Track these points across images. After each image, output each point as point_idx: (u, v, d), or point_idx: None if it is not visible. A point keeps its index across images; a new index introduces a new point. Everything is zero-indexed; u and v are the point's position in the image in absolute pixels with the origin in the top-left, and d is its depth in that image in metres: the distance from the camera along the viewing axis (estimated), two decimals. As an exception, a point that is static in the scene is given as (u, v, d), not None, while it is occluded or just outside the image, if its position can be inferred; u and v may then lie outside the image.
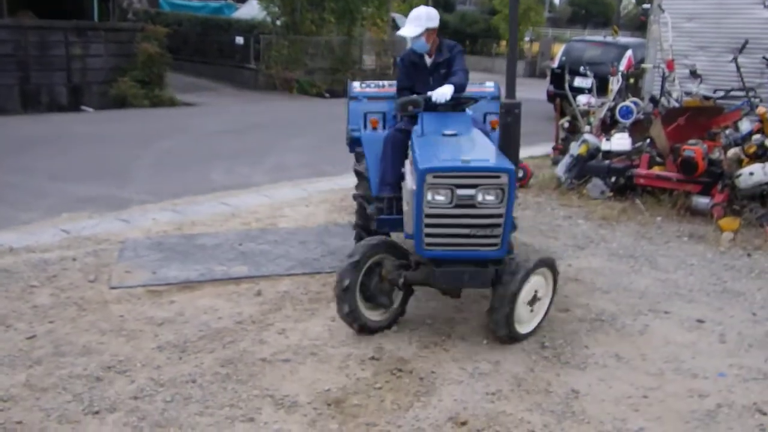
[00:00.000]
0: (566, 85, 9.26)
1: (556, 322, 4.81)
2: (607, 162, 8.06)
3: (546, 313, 4.62)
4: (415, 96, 4.92)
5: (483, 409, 3.70)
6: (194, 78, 19.55)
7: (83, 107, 14.58)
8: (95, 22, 15.84)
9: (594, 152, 8.20)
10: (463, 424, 3.56)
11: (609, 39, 15.64)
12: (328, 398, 3.75)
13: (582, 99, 9.23)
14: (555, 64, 15.38)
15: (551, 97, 13.80)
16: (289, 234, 6.66)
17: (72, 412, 3.51)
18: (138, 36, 15.41)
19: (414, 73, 5.24)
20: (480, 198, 4.08)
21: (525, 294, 4.34)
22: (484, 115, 5.62)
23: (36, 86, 14.15)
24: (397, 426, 3.53)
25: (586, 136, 8.24)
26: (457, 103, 5.02)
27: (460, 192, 4.06)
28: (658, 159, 7.72)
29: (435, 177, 4.06)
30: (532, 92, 15.19)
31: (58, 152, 9.80)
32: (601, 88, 9.68)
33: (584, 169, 8.16)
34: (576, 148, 8.28)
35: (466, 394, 3.85)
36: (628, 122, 8.41)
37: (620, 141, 8.12)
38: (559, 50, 17.22)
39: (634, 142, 8.16)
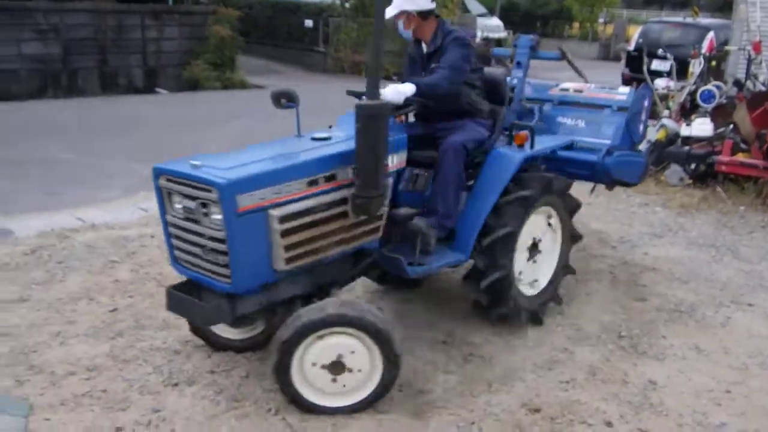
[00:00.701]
0: (645, 68, 8.97)
1: (633, 311, 4.69)
2: (686, 148, 7.79)
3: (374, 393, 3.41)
4: (289, 88, 3.74)
5: (556, 398, 3.64)
6: (264, 61, 19.75)
7: (158, 89, 14.89)
8: (170, 6, 16.11)
9: (673, 138, 7.93)
10: (537, 411, 3.52)
11: (689, 20, 15.07)
12: (398, 380, 3.74)
13: (660, 83, 8.92)
14: (631, 47, 14.92)
15: (627, 81, 13.41)
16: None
17: (153, 383, 3.61)
18: (210, 19, 15.62)
19: (410, 63, 4.38)
20: (201, 214, 3.18)
21: (314, 355, 3.28)
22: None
23: (113, 69, 14.50)
24: (469, 410, 3.51)
25: (665, 121, 7.97)
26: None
27: (185, 203, 3.22)
28: (742, 145, 7.42)
29: (168, 180, 3.26)
30: (606, 76, 14.78)
31: (135, 133, 10.06)
32: (681, 71, 9.35)
33: (662, 155, 7.90)
34: (654, 134, 8.02)
35: (538, 381, 3.80)
36: (709, 107, 8.10)
37: (701, 126, 7.83)
38: (634, 32, 16.69)
39: (715, 128, 7.86)
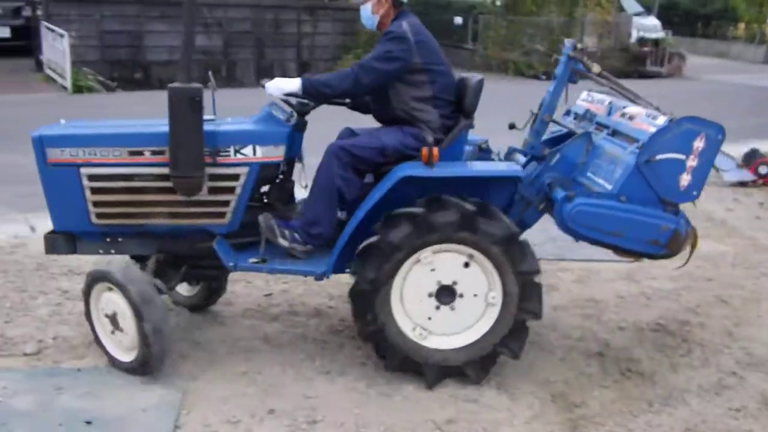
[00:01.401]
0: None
1: (812, 338, 4.29)
2: None
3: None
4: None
5: (725, 425, 3.38)
6: (412, 57, 19.93)
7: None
8: (325, 2, 16.58)
9: None
10: (703, 437, 3.28)
11: None
12: (551, 390, 3.62)
13: None
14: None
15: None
16: (507, 217, 6.52)
17: (305, 369, 3.68)
18: (363, 15, 15.93)
19: None
20: None
21: (103, 304, 3.55)
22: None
23: (269, 61, 15.14)
24: (628, 429, 3.32)
25: None
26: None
27: None
28: None
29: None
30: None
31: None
32: None
33: None
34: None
35: (705, 406, 3.54)
36: None
37: None
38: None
39: None
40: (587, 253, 5.62)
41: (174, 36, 14.01)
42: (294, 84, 3.54)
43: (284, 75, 13.09)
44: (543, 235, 5.95)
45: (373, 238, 3.39)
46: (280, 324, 4.18)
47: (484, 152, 4.04)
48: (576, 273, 5.27)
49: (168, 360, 3.58)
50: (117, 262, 3.52)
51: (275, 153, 3.61)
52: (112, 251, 3.72)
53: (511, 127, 4.06)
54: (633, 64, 20.20)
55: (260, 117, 3.69)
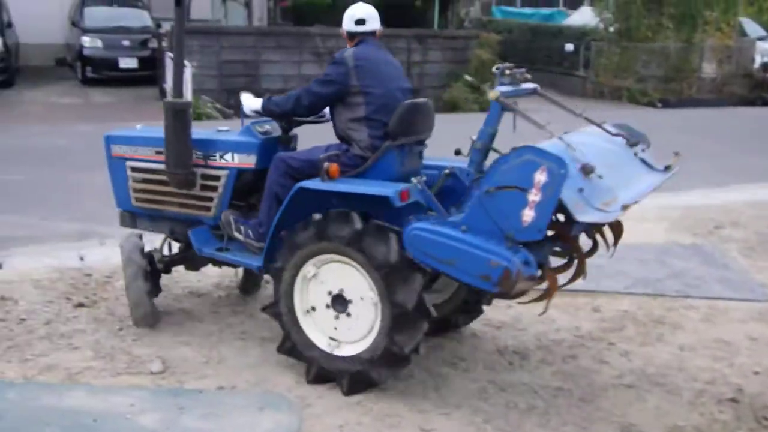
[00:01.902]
0: None
1: None
2: None
3: None
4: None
5: None
6: (521, 84, 19.72)
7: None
8: (435, 30, 16.73)
9: None
10: None
11: None
12: (679, 434, 3.42)
13: None
14: None
15: None
16: (626, 249, 6.23)
17: (420, 401, 3.63)
18: (473, 43, 15.94)
19: None
20: None
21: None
22: None
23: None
24: (767, 483, 3.09)
25: None
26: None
27: None
28: None
29: None
30: None
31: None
32: None
33: None
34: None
35: None
36: None
37: None
38: None
39: None
40: (715, 291, 5.34)
41: (288, 65, 14.47)
42: (257, 103, 4.08)
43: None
44: (666, 271, 5.73)
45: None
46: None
47: (454, 178, 3.82)
48: (702, 311, 4.99)
49: (146, 319, 4.38)
50: (128, 234, 4.52)
51: (248, 161, 4.15)
52: (151, 229, 4.60)
53: (457, 153, 3.95)
54: (756, 90, 19.20)
55: (242, 130, 4.25)
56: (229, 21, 16.98)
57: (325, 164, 3.61)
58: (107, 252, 5.59)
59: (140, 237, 4.48)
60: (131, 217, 4.61)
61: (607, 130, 3.65)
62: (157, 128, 4.41)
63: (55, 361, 3.93)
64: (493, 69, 3.67)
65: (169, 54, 14.09)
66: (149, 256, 4.41)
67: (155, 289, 4.49)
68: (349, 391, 3.64)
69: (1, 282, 5.01)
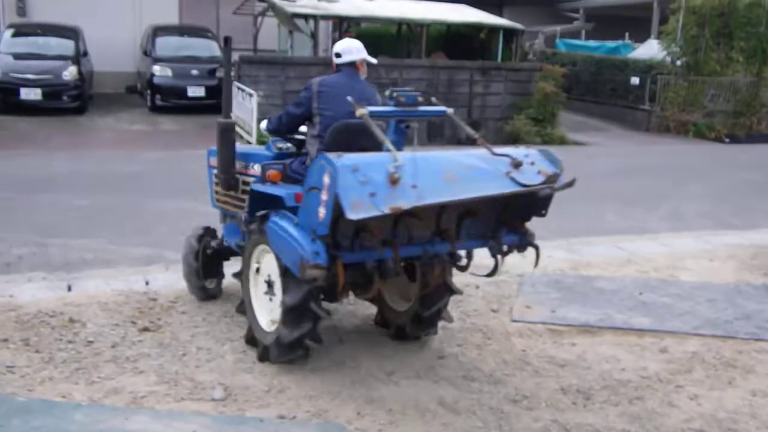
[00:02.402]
0: None
1: None
2: None
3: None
4: None
5: None
6: (584, 117, 19.49)
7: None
8: (498, 63, 16.69)
9: None
10: None
11: None
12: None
13: None
14: None
15: None
16: (693, 289, 6.11)
17: (481, 439, 3.58)
18: (536, 76, 15.86)
19: None
20: None
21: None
22: None
23: (441, 120, 15.36)
24: None
25: None
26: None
27: None
28: None
29: None
30: None
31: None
32: None
33: None
34: None
35: None
36: None
37: None
38: None
39: None
40: (789, 334, 5.13)
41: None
42: (263, 124, 4.92)
43: (453, 134, 13.41)
44: (736, 312, 5.54)
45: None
46: (454, 388, 4.10)
47: None
48: (776, 355, 4.79)
49: (195, 293, 5.34)
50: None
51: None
52: (222, 222, 5.47)
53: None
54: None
55: (266, 147, 5.10)
56: (295, 51, 17.29)
57: (267, 171, 4.54)
58: (173, 277, 5.70)
59: (206, 228, 5.38)
60: (222, 214, 5.44)
61: (492, 151, 3.93)
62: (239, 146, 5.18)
63: (120, 385, 4.01)
64: (386, 92, 4.17)
65: (237, 83, 14.47)
66: (204, 242, 5.26)
67: (207, 270, 5.30)
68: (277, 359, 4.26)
69: (70, 304, 5.15)
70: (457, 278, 4.60)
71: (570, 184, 3.94)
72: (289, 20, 15.36)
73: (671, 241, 7.75)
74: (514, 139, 15.18)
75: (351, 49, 4.70)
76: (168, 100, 16.19)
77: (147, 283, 5.68)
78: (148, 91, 16.41)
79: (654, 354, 4.74)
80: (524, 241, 4.18)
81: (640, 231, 8.21)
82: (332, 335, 4.72)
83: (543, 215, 4.07)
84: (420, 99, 4.09)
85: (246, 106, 14.04)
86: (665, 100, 18.14)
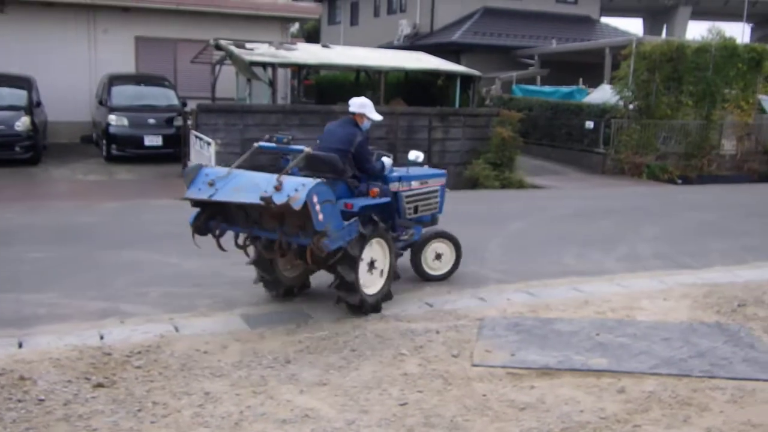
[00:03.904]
0: None
1: None
2: None
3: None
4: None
5: None
6: (542, 161, 19.85)
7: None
8: (456, 108, 16.97)
9: None
10: None
11: None
12: None
13: None
14: None
15: None
16: (649, 328, 6.20)
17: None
18: (494, 121, 16.15)
19: None
20: None
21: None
22: None
23: (401, 165, 15.48)
24: None
25: None
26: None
27: None
28: None
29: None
30: None
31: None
32: None
33: None
34: None
35: None
36: None
37: None
38: None
39: None
40: (741, 371, 5.23)
41: (312, 142, 14.66)
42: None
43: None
44: (691, 350, 5.61)
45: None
46: (414, 436, 4.08)
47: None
48: (729, 392, 4.87)
49: None
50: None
51: None
52: None
53: None
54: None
55: None
56: (254, 99, 17.37)
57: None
58: (127, 331, 5.59)
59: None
60: None
61: (278, 178, 5.55)
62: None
63: (72, 443, 3.90)
64: (266, 136, 5.84)
65: (195, 132, 14.46)
66: None
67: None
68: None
69: (20, 361, 5.02)
70: (420, 324, 4.57)
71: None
72: (248, 68, 15.45)
73: (628, 282, 7.87)
74: (473, 184, 15.39)
75: (354, 104, 6.69)
76: (124, 150, 16.02)
77: (101, 338, 5.57)
78: (104, 141, 16.22)
79: (612, 395, 4.78)
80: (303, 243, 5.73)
81: (598, 272, 8.33)
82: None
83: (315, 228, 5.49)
84: (285, 141, 5.92)
85: (204, 155, 14.01)
86: (619, 143, 18.60)
